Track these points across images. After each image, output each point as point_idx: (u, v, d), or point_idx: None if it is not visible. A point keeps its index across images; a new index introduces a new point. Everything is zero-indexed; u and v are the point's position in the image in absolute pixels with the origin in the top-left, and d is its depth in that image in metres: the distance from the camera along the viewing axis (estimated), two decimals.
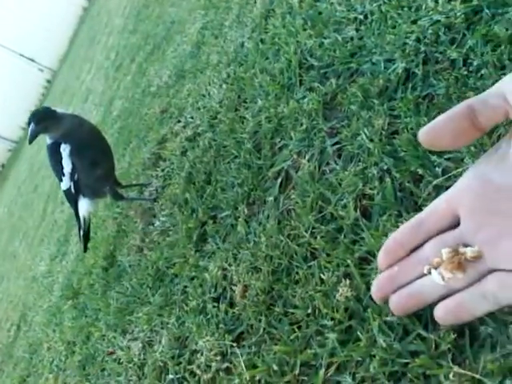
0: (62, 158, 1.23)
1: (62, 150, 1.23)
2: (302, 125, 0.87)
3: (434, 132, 0.41)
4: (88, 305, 1.41)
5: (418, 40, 0.70)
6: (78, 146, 1.25)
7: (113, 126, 2.34)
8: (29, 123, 1.20)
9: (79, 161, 1.26)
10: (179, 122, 1.49)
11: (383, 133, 0.68)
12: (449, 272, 0.41)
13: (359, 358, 0.52)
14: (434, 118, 0.61)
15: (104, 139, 1.39)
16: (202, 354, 0.77)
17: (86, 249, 1.46)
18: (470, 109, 0.39)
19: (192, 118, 1.40)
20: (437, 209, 0.43)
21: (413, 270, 0.43)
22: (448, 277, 0.41)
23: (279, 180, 0.87)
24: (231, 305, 0.80)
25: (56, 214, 2.70)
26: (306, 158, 0.82)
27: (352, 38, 0.85)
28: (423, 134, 0.41)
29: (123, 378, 0.98)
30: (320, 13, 0.98)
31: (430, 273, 0.42)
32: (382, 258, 0.45)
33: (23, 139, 8.35)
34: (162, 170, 1.41)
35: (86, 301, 1.44)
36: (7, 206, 5.65)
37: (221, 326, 0.78)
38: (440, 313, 0.41)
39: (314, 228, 0.72)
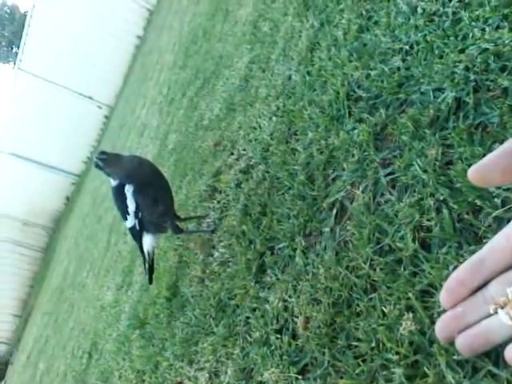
0: (126, 198, 1.31)
1: (126, 190, 1.31)
2: (353, 156, 0.89)
3: (484, 170, 0.41)
4: (154, 334, 1.47)
5: (466, 69, 0.70)
6: (141, 186, 1.33)
7: (169, 160, 2.46)
8: (97, 165, 1.30)
9: (142, 199, 1.34)
10: (232, 154, 1.55)
11: (437, 163, 0.68)
12: None
13: None
14: (489, 147, 0.61)
15: (162, 175, 1.47)
16: None
17: (151, 281, 1.53)
18: None
19: (244, 150, 1.45)
20: (497, 246, 0.43)
21: (478, 309, 0.43)
22: None
23: (334, 211, 0.89)
24: (294, 336, 0.82)
25: (119, 246, 2.84)
26: (360, 188, 0.83)
27: (399, 69, 0.86)
28: (473, 173, 0.42)
29: None
30: (365, 44, 1.00)
31: (496, 313, 0.42)
32: (444, 298, 0.45)
33: (85, 172, 8.90)
34: (218, 202, 1.47)
35: (153, 330, 1.51)
36: (74, 237, 6.00)
37: (285, 357, 0.80)
38: (511, 355, 0.41)
39: (372, 260, 0.72)
